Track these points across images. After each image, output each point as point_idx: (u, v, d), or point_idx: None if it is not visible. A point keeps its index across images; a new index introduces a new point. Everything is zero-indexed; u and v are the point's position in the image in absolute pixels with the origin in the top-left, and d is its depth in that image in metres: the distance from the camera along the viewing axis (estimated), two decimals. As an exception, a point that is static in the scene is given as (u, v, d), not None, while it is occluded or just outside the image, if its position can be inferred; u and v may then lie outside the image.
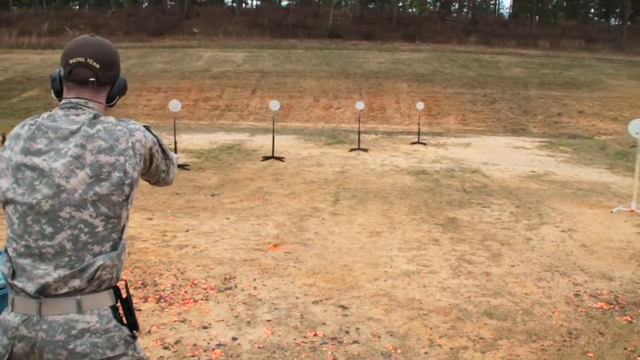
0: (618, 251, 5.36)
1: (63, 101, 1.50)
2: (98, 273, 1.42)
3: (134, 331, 1.50)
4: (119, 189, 1.44)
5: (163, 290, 4.08)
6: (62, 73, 1.51)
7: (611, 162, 11.91)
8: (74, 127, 1.44)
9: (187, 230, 5.75)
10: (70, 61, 1.49)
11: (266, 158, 10.92)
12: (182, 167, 9.50)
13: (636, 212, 6.88)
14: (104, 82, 1.53)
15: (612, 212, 6.92)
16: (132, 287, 4.09)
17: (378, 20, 39.91)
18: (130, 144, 1.47)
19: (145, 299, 3.87)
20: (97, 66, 1.50)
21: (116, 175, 1.43)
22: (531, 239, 5.71)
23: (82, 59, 1.48)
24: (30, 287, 1.39)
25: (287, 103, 20.73)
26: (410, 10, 47.86)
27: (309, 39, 33.81)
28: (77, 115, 1.47)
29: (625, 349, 3.32)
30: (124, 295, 1.51)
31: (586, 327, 3.62)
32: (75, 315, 1.39)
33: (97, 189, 1.41)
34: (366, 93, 22.28)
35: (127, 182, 1.45)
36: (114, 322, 1.44)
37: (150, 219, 6.17)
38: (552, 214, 6.78)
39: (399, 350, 3.23)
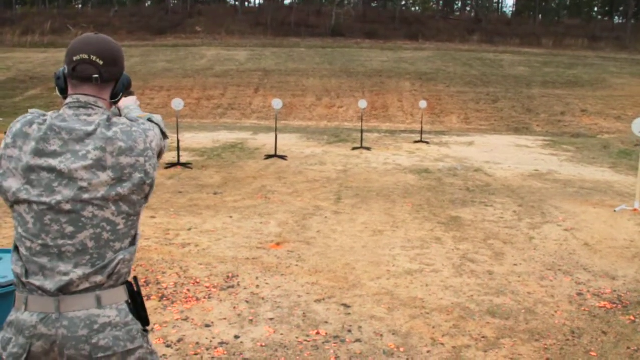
0: (621, 250, 5.34)
1: (70, 99, 1.50)
2: (118, 267, 1.45)
3: (145, 326, 1.54)
4: (140, 189, 1.47)
5: (166, 288, 4.09)
6: (66, 71, 1.52)
7: (614, 161, 11.88)
8: (89, 128, 1.44)
9: (190, 229, 5.76)
10: (74, 58, 1.49)
11: (269, 157, 10.92)
12: (185, 165, 9.51)
13: (639, 211, 6.86)
14: (108, 79, 1.53)
15: (615, 211, 6.90)
16: (135, 285, 4.10)
17: (381, 19, 39.91)
18: (148, 145, 1.50)
19: (148, 297, 3.88)
20: (101, 63, 1.50)
21: (137, 176, 1.46)
22: (534, 237, 5.70)
23: (86, 56, 1.49)
24: (50, 285, 1.40)
25: (289, 102, 20.73)
26: (413, 8, 47.83)
27: (312, 37, 33.83)
28: (89, 115, 1.47)
29: (628, 348, 3.32)
30: (135, 290, 1.54)
31: (589, 326, 3.62)
32: (96, 310, 1.42)
33: (119, 189, 1.44)
34: (369, 92, 22.26)
35: (148, 182, 1.49)
36: (131, 316, 1.48)
37: (153, 217, 6.18)
38: (555, 213, 6.76)
39: (401, 349, 3.23)
